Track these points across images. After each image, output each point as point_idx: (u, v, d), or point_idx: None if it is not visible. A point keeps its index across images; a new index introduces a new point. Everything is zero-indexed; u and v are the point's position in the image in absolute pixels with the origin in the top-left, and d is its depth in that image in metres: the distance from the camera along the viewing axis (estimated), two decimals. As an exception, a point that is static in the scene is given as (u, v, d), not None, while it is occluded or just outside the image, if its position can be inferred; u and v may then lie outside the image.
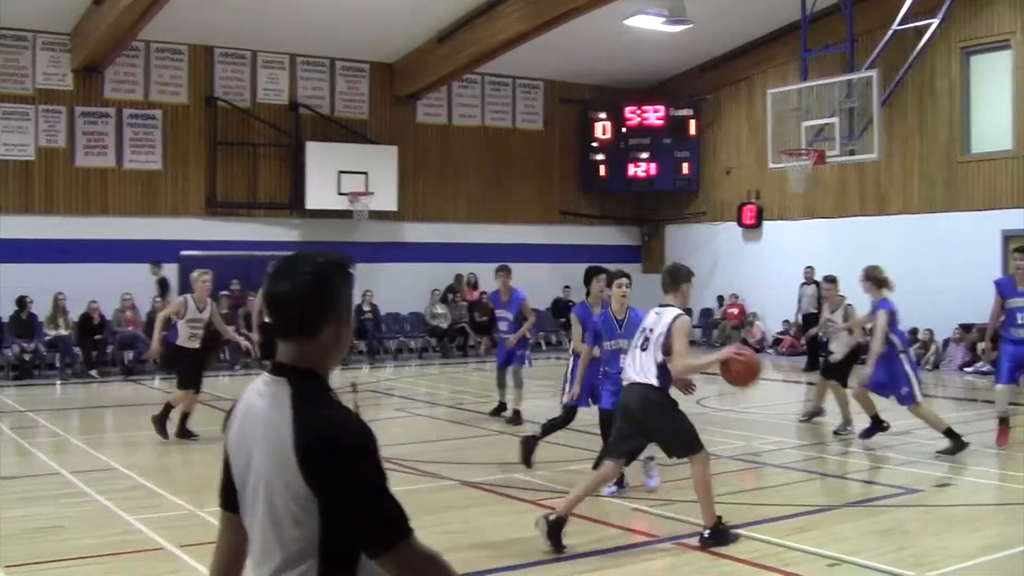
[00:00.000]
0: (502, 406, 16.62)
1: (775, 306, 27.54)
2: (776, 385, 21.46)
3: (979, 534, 9.24)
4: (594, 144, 31.29)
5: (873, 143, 20.50)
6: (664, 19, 24.50)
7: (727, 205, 30.21)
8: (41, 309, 23.40)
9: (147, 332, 21.83)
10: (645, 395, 8.94)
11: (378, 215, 27.25)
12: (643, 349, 9.06)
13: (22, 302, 23.05)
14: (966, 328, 23.20)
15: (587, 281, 12.53)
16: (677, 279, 9.26)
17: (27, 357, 22.92)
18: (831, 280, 16.59)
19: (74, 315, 23.58)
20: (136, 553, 8.72)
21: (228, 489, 3.20)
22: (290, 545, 2.94)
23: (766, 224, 29.14)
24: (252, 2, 23.71)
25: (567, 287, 30.11)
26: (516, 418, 15.79)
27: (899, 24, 21.67)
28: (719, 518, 8.87)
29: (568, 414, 11.96)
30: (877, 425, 13.70)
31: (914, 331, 24.16)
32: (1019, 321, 12.87)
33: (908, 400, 12.94)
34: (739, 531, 9.04)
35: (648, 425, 9.02)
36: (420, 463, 12.62)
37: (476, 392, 20.59)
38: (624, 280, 11.12)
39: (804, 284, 25.06)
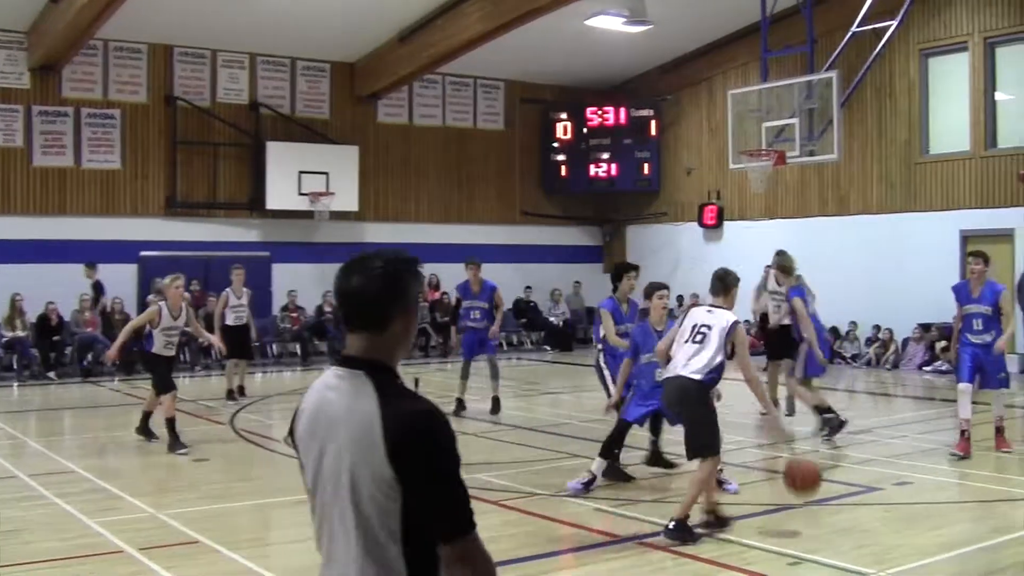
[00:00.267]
0: (461, 404, 16.68)
1: (736, 305, 27.59)
2: (737, 385, 21.48)
3: (938, 532, 9.31)
4: (555, 144, 31.32)
5: (833, 144, 20.58)
6: (625, 20, 24.55)
7: (688, 205, 30.30)
8: (-2, 310, 23.21)
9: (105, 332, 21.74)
10: (686, 387, 9.15)
11: (339, 215, 27.16)
12: (696, 343, 9.21)
13: (-21, 303, 22.83)
14: (925, 328, 23.37)
15: (617, 277, 12.46)
16: (727, 284, 9.61)
17: (-16, 359, 22.73)
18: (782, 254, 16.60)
19: (31, 316, 23.34)
20: (96, 556, 8.65)
21: None
22: (376, 531, 3.04)
23: (727, 224, 29.25)
24: (212, 1, 23.58)
25: (528, 287, 30.14)
26: (496, 406, 16.16)
27: (858, 26, 21.78)
28: (687, 517, 8.94)
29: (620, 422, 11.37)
30: (836, 417, 13.87)
31: (876, 328, 24.37)
32: (976, 327, 12.85)
33: (789, 373, 13.45)
34: (700, 531, 9.07)
35: (687, 416, 9.26)
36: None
37: (438, 392, 20.49)
38: (665, 292, 11.24)
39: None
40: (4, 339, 23.09)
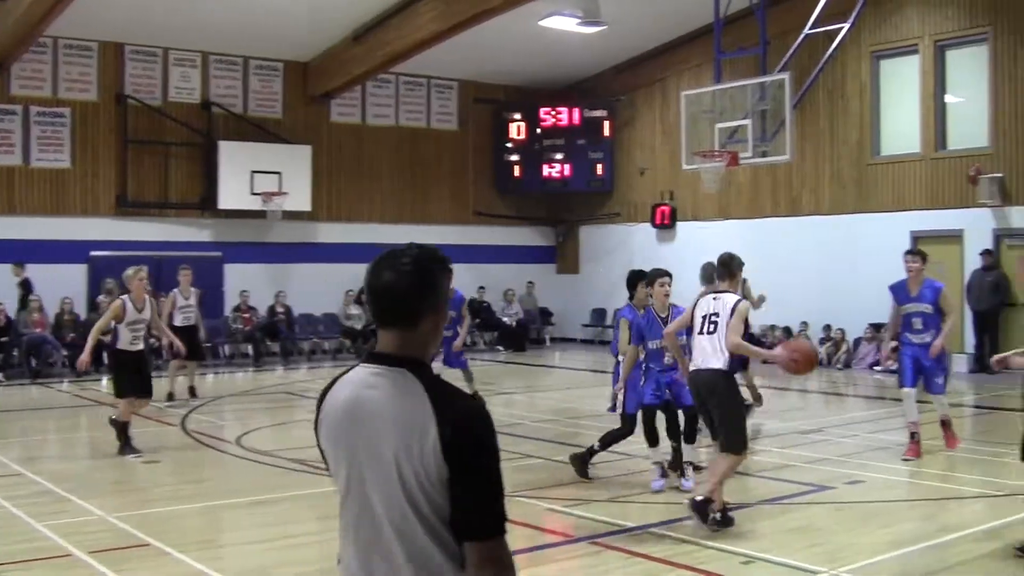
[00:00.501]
0: None
1: (689, 305, 27.69)
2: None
3: (889, 529, 9.37)
4: (508, 144, 31.31)
5: (785, 145, 20.67)
6: (579, 20, 24.59)
7: (641, 206, 30.37)
8: (-55, 310, 22.92)
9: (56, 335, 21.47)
10: (714, 380, 9.36)
11: (291, 215, 27.04)
12: (710, 333, 9.45)
13: (-74, 303, 22.53)
14: (876, 327, 23.52)
15: (632, 286, 12.38)
16: (731, 269, 9.74)
17: (-69, 360, 22.43)
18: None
19: (-20, 316, 23.10)
20: (44, 560, 8.55)
21: None
22: (428, 531, 3.01)
23: (680, 225, 29.35)
24: (163, -1, 23.44)
25: (481, 288, 30.11)
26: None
27: (811, 28, 21.88)
28: (711, 500, 9.17)
29: (629, 423, 11.50)
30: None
31: (828, 328, 24.54)
32: (915, 327, 12.86)
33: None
34: (650, 529, 9.09)
35: (716, 408, 9.41)
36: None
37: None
38: (667, 279, 11.28)
39: None
40: (-49, 340, 22.82)
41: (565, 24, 25.27)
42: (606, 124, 30.89)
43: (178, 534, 9.45)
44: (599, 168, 31.04)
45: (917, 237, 23.50)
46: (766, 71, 21.42)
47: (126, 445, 13.33)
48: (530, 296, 31.37)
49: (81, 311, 24.37)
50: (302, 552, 9.12)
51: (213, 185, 26.29)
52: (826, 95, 25.31)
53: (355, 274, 27.96)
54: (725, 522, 9.27)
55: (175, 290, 18.93)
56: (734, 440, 9.32)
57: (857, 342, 24.28)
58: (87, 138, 25.31)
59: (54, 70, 24.96)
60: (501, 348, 29.90)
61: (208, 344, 24.30)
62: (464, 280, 28.87)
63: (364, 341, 27.94)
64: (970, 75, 23.67)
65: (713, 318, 9.49)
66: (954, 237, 23.11)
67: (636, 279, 12.38)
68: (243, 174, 26.25)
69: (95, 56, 25.40)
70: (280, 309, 26.82)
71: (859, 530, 9.41)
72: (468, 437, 2.98)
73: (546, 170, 31.15)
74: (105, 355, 16.03)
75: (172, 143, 26.30)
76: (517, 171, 31.36)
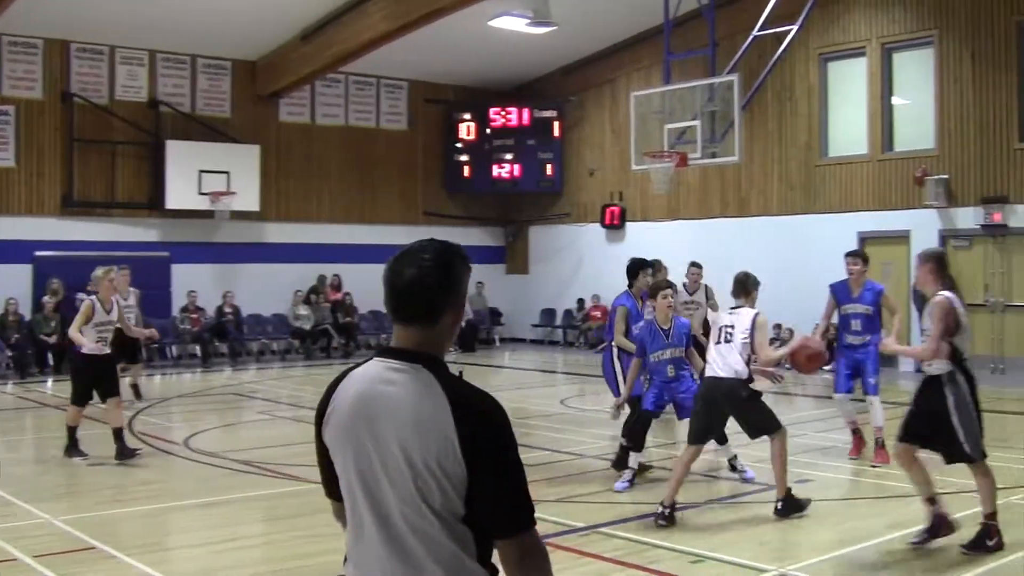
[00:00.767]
0: None
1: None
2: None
3: (836, 528, 9.44)
4: (458, 145, 31.28)
5: (734, 146, 20.74)
6: (529, 21, 24.56)
7: (590, 206, 30.44)
8: None
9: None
10: (734, 390, 9.74)
11: (240, 215, 26.89)
12: (726, 342, 9.86)
13: None
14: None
15: (634, 274, 12.47)
16: (747, 287, 10.25)
17: None
18: (697, 266, 16.74)
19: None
20: (-13, 563, 8.45)
21: (332, 477, 3.28)
22: (443, 527, 3.02)
23: (629, 225, 29.43)
24: (110, -3, 23.22)
25: (430, 288, 29.99)
26: None
27: (759, 30, 21.98)
28: (789, 490, 9.75)
29: (641, 412, 11.60)
30: None
31: (777, 328, 24.67)
32: (854, 328, 12.87)
33: None
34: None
35: (735, 414, 9.93)
36: (284, 466, 12.47)
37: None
38: (670, 291, 11.30)
39: None
40: None
41: (515, 24, 25.26)
42: (556, 124, 30.94)
43: (125, 537, 9.36)
44: (549, 168, 31.08)
45: (865, 238, 23.72)
46: (715, 72, 21.51)
47: (72, 447, 13.11)
48: (480, 296, 31.33)
49: (26, 312, 24.11)
50: (250, 554, 9.07)
51: (160, 185, 26.07)
52: (775, 96, 25.47)
53: (304, 274, 27.94)
54: (797, 506, 9.78)
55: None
56: (768, 425, 9.84)
57: (805, 342, 24.37)
58: (32, 137, 25.02)
59: (-2, 67, 24.70)
60: (451, 348, 29.85)
61: (155, 345, 24.13)
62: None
63: (313, 342, 27.84)
64: (916, 78, 23.89)
65: (728, 330, 9.90)
66: (901, 238, 23.31)
67: (638, 267, 12.49)
68: (191, 174, 26.05)
69: (40, 53, 25.11)
70: (228, 309, 26.66)
71: (807, 528, 9.48)
72: (488, 436, 3.00)
73: (496, 170, 31.15)
74: (67, 356, 15.59)
75: (119, 142, 26.06)
76: (467, 171, 31.34)
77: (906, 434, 8.70)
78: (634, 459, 11.35)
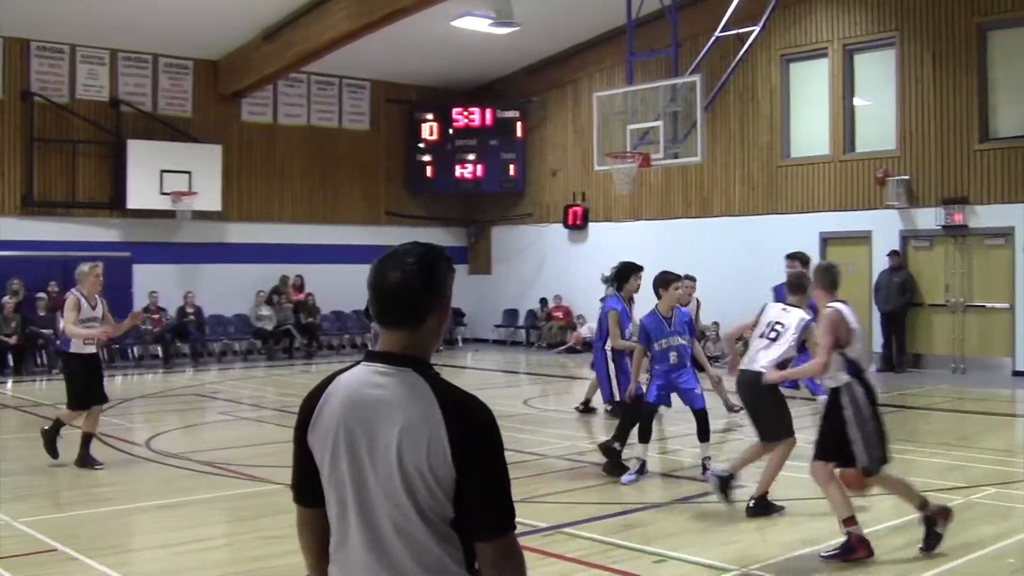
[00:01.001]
0: None
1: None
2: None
3: (799, 527, 9.48)
4: (421, 145, 31.21)
5: (696, 146, 20.80)
6: (491, 21, 24.56)
7: (553, 206, 30.46)
8: None
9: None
10: (756, 380, 9.80)
11: (201, 215, 26.74)
12: (770, 339, 9.95)
13: None
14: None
15: (625, 277, 12.69)
16: (805, 286, 10.02)
17: None
18: (691, 279, 16.66)
19: None
20: (-55, 565, 8.37)
21: (308, 482, 3.24)
22: (430, 529, 3.02)
23: (591, 226, 29.47)
24: (70, -5, 23.04)
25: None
26: None
27: (722, 31, 22.07)
28: (767, 493, 9.93)
29: (633, 411, 11.82)
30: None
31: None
32: None
33: None
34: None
35: (753, 406, 10.09)
36: (246, 467, 12.42)
37: (302, 394, 20.28)
38: (679, 283, 11.69)
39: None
40: None
41: (478, 25, 25.27)
42: (518, 125, 30.94)
43: (86, 539, 9.29)
44: (511, 169, 31.09)
45: (826, 238, 23.90)
46: (678, 73, 21.57)
47: (54, 447, 12.71)
48: (442, 297, 31.22)
49: (-15, 312, 23.92)
50: (212, 555, 9.02)
51: (121, 184, 25.88)
52: (737, 97, 25.57)
53: (266, 275, 27.81)
54: (767, 509, 9.87)
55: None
56: (779, 430, 9.96)
57: (767, 342, 24.47)
58: (-9, 136, 24.82)
59: (-44, 66, 24.48)
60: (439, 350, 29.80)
61: (116, 345, 23.99)
62: (376, 281, 28.72)
63: (275, 342, 27.73)
64: (878, 79, 24.04)
65: (777, 327, 9.97)
66: (862, 238, 23.48)
67: (629, 271, 12.72)
68: (152, 173, 25.87)
69: (-1, 52, 24.93)
70: (190, 310, 26.51)
71: (770, 528, 9.51)
72: (477, 439, 2.99)
73: (458, 170, 31.12)
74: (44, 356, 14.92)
75: (79, 141, 25.85)
76: (429, 171, 31.28)
77: (817, 451, 8.77)
78: (642, 450, 11.56)
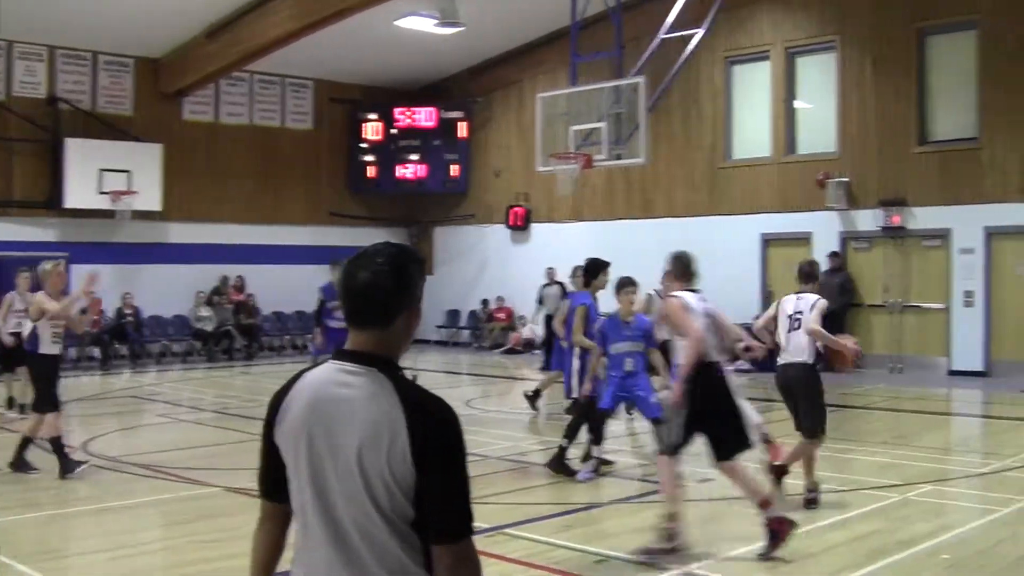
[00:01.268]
0: None
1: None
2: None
3: (741, 526, 9.48)
4: (363, 145, 31.12)
5: (640, 148, 20.84)
6: (436, 21, 24.52)
7: (496, 207, 30.46)
8: None
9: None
10: (801, 373, 10.25)
11: (141, 215, 26.47)
12: (795, 330, 10.30)
13: None
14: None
15: (594, 273, 12.81)
16: (815, 274, 10.78)
17: None
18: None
19: None
20: None
21: (273, 478, 3.27)
22: (391, 532, 2.99)
23: (534, 226, 29.51)
24: (7, -9, 22.73)
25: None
26: None
27: (666, 32, 22.11)
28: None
29: (586, 410, 11.93)
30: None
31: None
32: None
33: None
34: (507, 529, 9.11)
35: (797, 396, 10.37)
36: (185, 469, 12.31)
37: (243, 396, 20.21)
38: (633, 288, 11.72)
39: (547, 285, 25.17)
40: None
41: (422, 25, 25.23)
42: (462, 125, 30.91)
43: (21, 544, 9.18)
44: (454, 169, 31.05)
45: (768, 239, 24.05)
46: (621, 74, 21.60)
47: (69, 460, 12.23)
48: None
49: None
50: (150, 559, 8.94)
51: (59, 183, 25.56)
52: (680, 99, 25.66)
53: (206, 275, 27.60)
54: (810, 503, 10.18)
55: (12, 293, 17.90)
56: (816, 427, 10.24)
57: (709, 343, 24.58)
58: (-75, 133, 24.45)
59: None
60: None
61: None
62: (318, 281, 28.54)
63: (215, 343, 27.53)
64: (819, 82, 24.26)
65: (797, 315, 10.31)
66: (803, 239, 23.66)
67: (598, 268, 12.87)
68: (91, 172, 25.57)
69: (-66, 49, 24.57)
70: (128, 311, 26.24)
71: (711, 527, 9.56)
72: (439, 441, 2.97)
73: (401, 171, 31.05)
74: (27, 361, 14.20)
75: (15, 139, 25.47)
76: (372, 171, 31.19)
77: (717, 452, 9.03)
78: (596, 451, 11.66)
